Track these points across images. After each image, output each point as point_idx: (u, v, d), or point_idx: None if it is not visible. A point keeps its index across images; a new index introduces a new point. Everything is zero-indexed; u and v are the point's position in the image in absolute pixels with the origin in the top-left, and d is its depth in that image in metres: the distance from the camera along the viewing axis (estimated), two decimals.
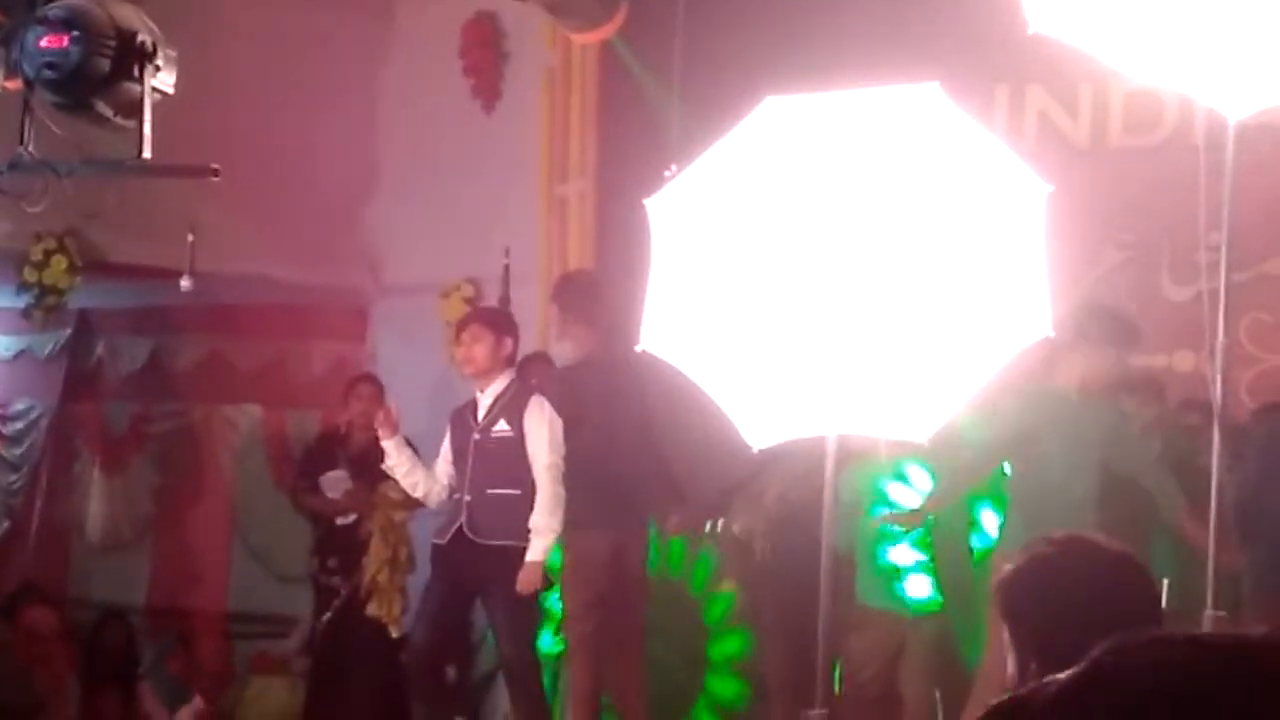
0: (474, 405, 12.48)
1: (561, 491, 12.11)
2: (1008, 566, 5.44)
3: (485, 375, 12.39)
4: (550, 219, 15.04)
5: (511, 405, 12.37)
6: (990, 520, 12.10)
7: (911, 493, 12.01)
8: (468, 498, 12.30)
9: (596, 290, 12.88)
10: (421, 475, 12.50)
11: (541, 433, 12.24)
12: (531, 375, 12.98)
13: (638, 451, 12.52)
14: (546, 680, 12.66)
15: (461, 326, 12.71)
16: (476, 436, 12.35)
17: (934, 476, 11.81)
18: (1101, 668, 2.40)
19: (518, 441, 12.26)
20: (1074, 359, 10.82)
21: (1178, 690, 2.29)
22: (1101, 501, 10.92)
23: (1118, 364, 11.24)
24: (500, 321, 12.74)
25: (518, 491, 12.18)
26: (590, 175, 14.92)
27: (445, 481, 12.46)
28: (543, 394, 12.41)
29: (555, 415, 12.27)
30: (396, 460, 12.49)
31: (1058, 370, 10.85)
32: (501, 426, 12.33)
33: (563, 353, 13.01)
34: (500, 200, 14.91)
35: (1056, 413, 11.01)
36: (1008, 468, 11.50)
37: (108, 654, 15.11)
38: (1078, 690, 2.39)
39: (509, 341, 12.47)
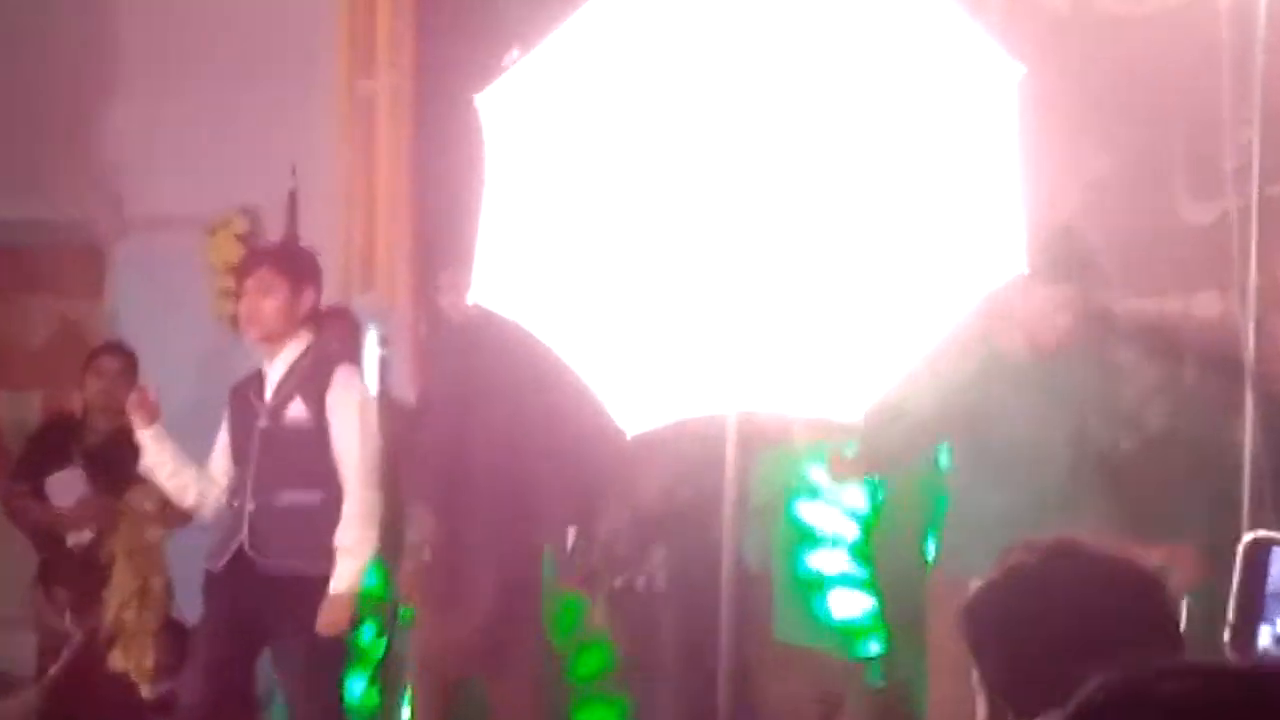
0: (259, 380, 12.16)
1: (377, 496, 11.92)
2: (975, 584, 5.36)
3: (276, 339, 12.04)
4: (352, 125, 15.03)
5: (311, 380, 12.05)
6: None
7: (846, 491, 12.02)
8: (251, 506, 11.95)
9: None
10: (191, 476, 12.23)
11: (351, 417, 11.98)
12: (333, 339, 12.67)
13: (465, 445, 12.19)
14: None
15: (242, 273, 12.41)
16: (263, 423, 12.03)
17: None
18: (1090, 710, 2.45)
19: (319, 429, 12.02)
20: (1018, 305, 10.78)
21: None
22: (1088, 496, 10.93)
23: (1079, 305, 11.26)
24: (297, 265, 12.29)
25: (318, 497, 11.95)
26: (406, 66, 14.97)
27: (224, 484, 12.19)
28: (351, 362, 12.21)
29: (369, 393, 12.09)
30: (157, 458, 12.21)
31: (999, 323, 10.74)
32: (297, 409, 12.02)
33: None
34: (284, 103, 14.88)
35: (1006, 382, 11.03)
36: (944, 458, 11.62)
37: None
38: None
39: (310, 292, 12.11)
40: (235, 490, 12.14)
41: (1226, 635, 3.71)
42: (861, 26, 8.03)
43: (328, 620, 11.80)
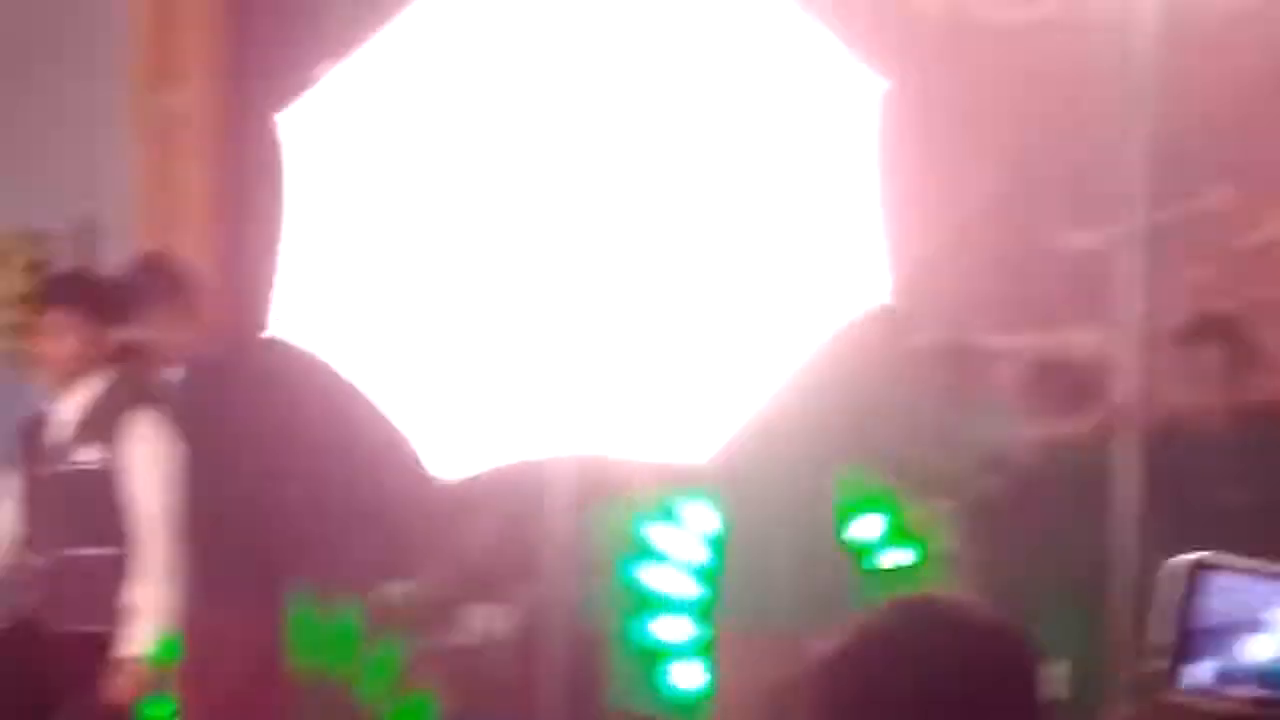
0: (46, 421, 12.04)
1: (173, 551, 11.75)
2: (819, 646, 4.95)
3: (72, 377, 11.99)
4: (149, 143, 14.87)
5: (106, 420, 11.90)
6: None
7: (688, 538, 11.96)
8: (39, 561, 11.88)
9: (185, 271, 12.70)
10: None
11: (147, 464, 11.79)
12: (138, 377, 12.40)
13: (272, 489, 12.14)
14: None
15: (36, 309, 12.29)
16: (50, 469, 11.88)
17: (721, 514, 11.78)
18: None
19: (111, 477, 11.84)
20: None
21: None
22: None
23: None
24: (96, 298, 12.20)
25: (112, 551, 11.75)
26: (210, 78, 14.89)
27: (8, 538, 12.03)
28: (153, 403, 12.02)
29: (169, 438, 11.89)
30: None
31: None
32: (88, 454, 11.82)
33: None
34: (75, 117, 14.73)
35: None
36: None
37: None
38: None
39: (112, 328, 12.01)
40: (23, 544, 11.93)
41: (1152, 665, 3.56)
42: (706, 35, 8.03)
43: (116, 687, 11.65)
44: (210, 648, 12.06)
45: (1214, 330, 11.64)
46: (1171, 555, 3.21)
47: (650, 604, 12.15)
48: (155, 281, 12.49)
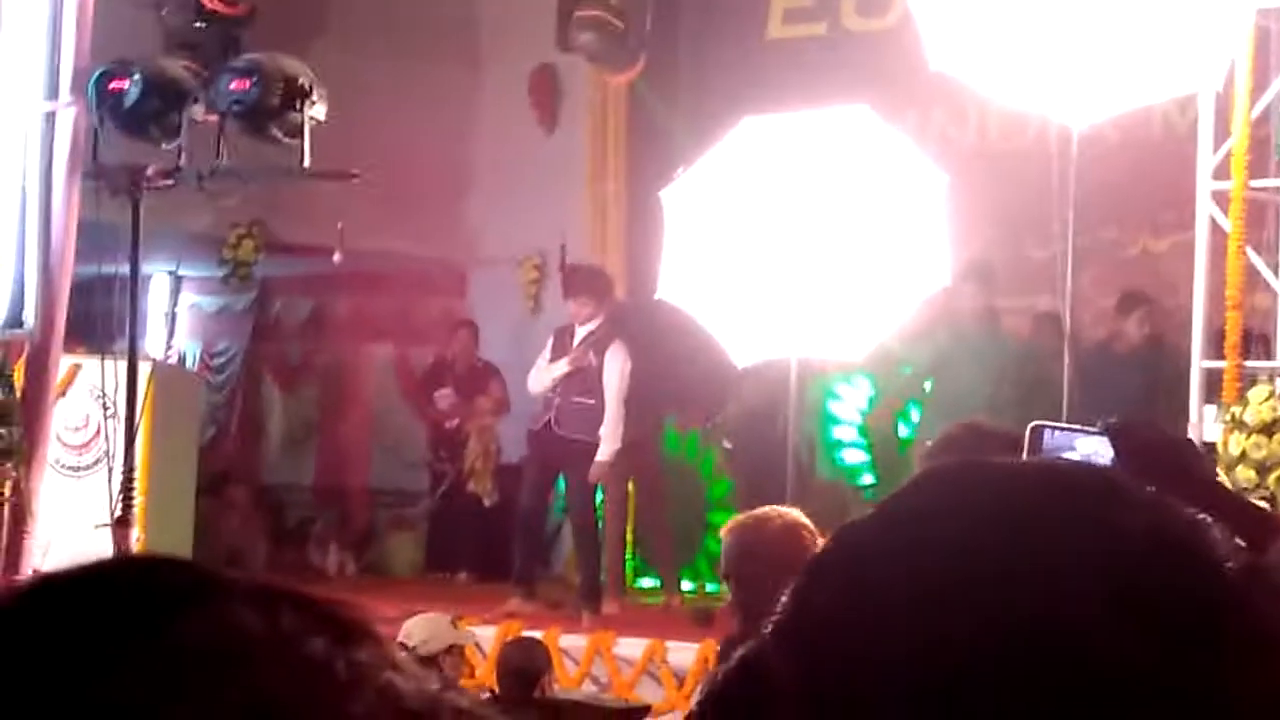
0: (572, 333, 12.19)
1: (621, 410, 11.92)
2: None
3: (586, 320, 12.11)
4: (594, 208, 14.92)
5: (599, 343, 12.03)
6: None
7: (848, 399, 12.01)
8: (557, 400, 12.09)
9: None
10: (540, 383, 12.35)
11: (614, 366, 11.93)
12: (612, 324, 12.40)
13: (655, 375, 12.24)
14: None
15: (567, 290, 12.54)
16: (570, 358, 12.08)
17: (873, 384, 11.77)
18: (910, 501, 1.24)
19: (598, 368, 11.99)
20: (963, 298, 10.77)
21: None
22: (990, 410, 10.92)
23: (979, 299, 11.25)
24: (595, 285, 12.41)
25: (593, 402, 11.96)
26: (621, 176, 14.77)
27: (548, 386, 12.27)
28: (620, 339, 12.11)
29: (626, 357, 11.99)
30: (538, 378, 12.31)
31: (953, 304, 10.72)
32: (589, 357, 12.05)
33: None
34: (558, 196, 14.80)
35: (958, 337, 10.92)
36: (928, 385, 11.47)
37: (285, 519, 15.46)
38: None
39: (605, 299, 12.27)
40: (552, 392, 12.10)
41: None
42: (866, 154, 8.08)
43: (594, 474, 11.89)
44: (628, 454, 12.21)
45: (1135, 298, 11.68)
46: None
47: (833, 421, 12.17)
48: (593, 277, 12.69)
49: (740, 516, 5.85)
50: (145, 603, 1.00)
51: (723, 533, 5.80)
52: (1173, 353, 10.82)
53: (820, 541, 5.48)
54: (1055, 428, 2.58)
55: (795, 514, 5.71)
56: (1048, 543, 1.17)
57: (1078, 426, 2.68)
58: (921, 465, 4.98)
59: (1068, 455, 2.50)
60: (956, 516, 1.20)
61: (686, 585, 12.87)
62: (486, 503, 13.85)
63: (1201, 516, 1.22)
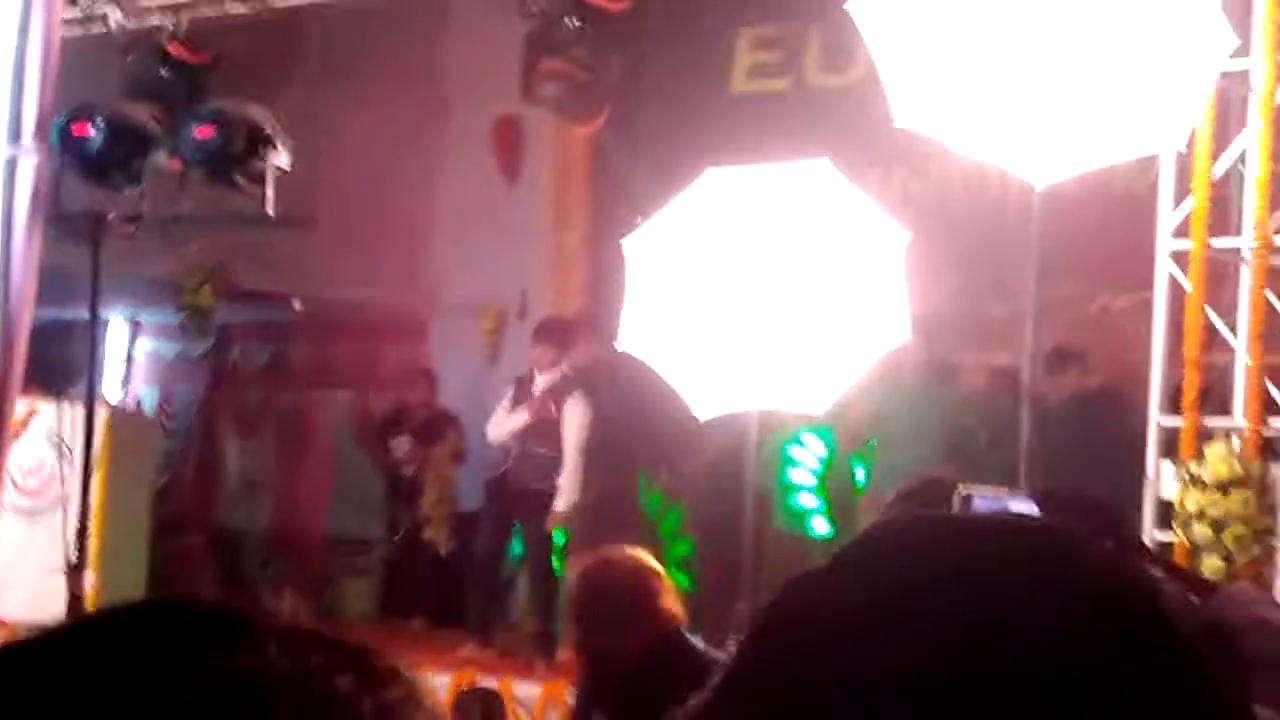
0: (532, 382, 12.26)
1: (580, 460, 12.03)
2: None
3: (543, 369, 12.19)
4: (556, 257, 14.98)
5: (559, 393, 12.12)
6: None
7: (807, 451, 12.01)
8: (515, 450, 12.17)
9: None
10: (497, 432, 12.42)
11: (574, 416, 12.03)
12: (575, 374, 12.54)
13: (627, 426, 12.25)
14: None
15: (533, 340, 12.53)
16: (530, 408, 12.14)
17: (827, 440, 11.78)
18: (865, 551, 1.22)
19: (557, 418, 12.07)
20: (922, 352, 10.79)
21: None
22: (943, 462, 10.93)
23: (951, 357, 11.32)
24: (557, 335, 12.52)
25: (552, 453, 12.04)
26: (585, 227, 14.82)
27: (505, 435, 12.36)
28: (581, 389, 12.22)
29: (586, 407, 12.09)
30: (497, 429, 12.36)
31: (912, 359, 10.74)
32: (548, 407, 12.14)
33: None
34: (521, 246, 14.83)
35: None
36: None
37: (239, 565, 15.40)
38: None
39: (567, 350, 12.36)
40: (511, 441, 12.11)
41: None
42: (826, 209, 8.09)
43: (551, 523, 11.88)
44: (595, 505, 12.20)
45: (1068, 354, 11.72)
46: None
47: (790, 486, 12.16)
48: (559, 328, 12.72)
49: (586, 558, 5.76)
50: (183, 640, 1.05)
51: (569, 574, 5.74)
52: (1129, 408, 10.89)
53: (665, 585, 5.47)
54: (984, 493, 2.65)
55: (643, 556, 5.66)
56: (999, 601, 1.15)
57: (1005, 492, 2.70)
58: (882, 515, 4.93)
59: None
60: (908, 570, 1.18)
61: None
62: (442, 551, 13.84)
63: (1155, 575, 1.20)
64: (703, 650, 5.70)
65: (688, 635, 5.66)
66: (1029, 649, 1.12)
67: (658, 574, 5.56)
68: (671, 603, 5.62)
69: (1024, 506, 2.57)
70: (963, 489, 2.60)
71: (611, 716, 5.68)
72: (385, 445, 14.70)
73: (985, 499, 2.64)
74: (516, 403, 12.18)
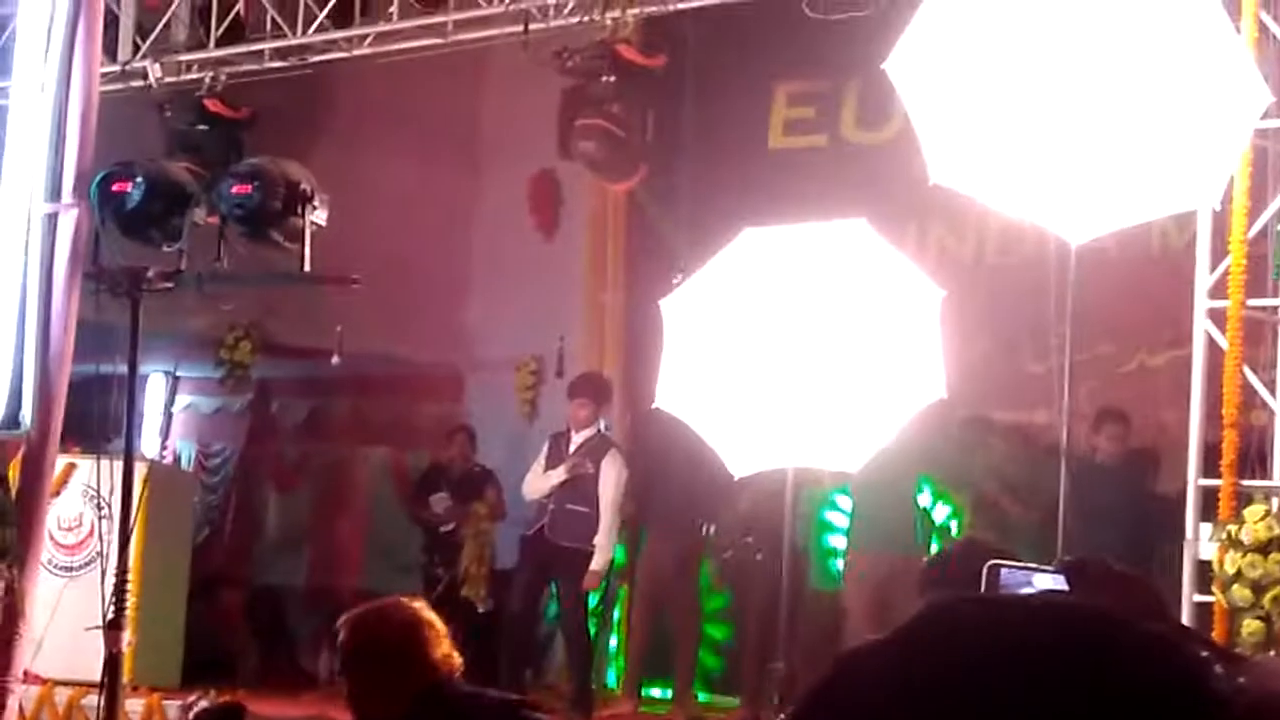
0: (568, 440, 12.28)
1: (617, 518, 12.06)
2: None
3: (583, 426, 12.20)
4: (592, 315, 14.97)
5: (596, 450, 12.15)
6: None
7: (842, 514, 11.99)
8: (552, 507, 12.15)
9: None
10: (536, 490, 12.42)
11: (610, 475, 12.03)
12: (610, 433, 12.69)
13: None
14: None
15: (571, 393, 12.54)
16: (566, 466, 12.13)
17: (853, 500, 11.77)
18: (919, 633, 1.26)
19: (597, 477, 12.07)
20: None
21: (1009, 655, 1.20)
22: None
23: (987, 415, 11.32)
24: (598, 390, 12.55)
25: (589, 511, 12.04)
26: (622, 285, 14.81)
27: (543, 492, 12.35)
28: (617, 447, 12.26)
29: (622, 464, 12.13)
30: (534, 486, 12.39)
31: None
32: (586, 465, 12.15)
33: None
34: (557, 303, 14.86)
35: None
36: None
37: (277, 624, 15.36)
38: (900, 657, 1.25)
39: (602, 406, 12.39)
40: (547, 498, 12.07)
41: None
42: (863, 268, 8.11)
43: (588, 582, 11.87)
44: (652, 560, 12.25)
45: (1110, 414, 11.71)
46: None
47: (827, 548, 12.14)
48: (596, 384, 12.72)
49: (359, 609, 5.75)
50: None
51: (340, 625, 5.70)
52: (1165, 469, 10.89)
53: (442, 636, 5.45)
54: (1012, 566, 2.60)
55: (418, 608, 5.66)
56: (1046, 686, 1.17)
57: (1033, 565, 2.71)
58: (920, 579, 4.96)
59: (1024, 592, 2.51)
60: (956, 655, 1.22)
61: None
62: (480, 609, 13.80)
63: (1204, 654, 1.25)
64: (475, 693, 5.77)
65: (459, 683, 5.68)
66: None
67: (430, 624, 5.57)
68: (444, 651, 5.62)
69: (1053, 581, 2.57)
70: (991, 563, 2.56)
71: None
72: (423, 502, 14.68)
73: (1013, 572, 2.59)
74: (551, 460, 12.16)
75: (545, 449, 12.33)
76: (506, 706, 5.92)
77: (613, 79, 12.09)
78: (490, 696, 5.94)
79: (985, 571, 2.56)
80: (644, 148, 12.55)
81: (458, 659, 5.70)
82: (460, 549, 14.01)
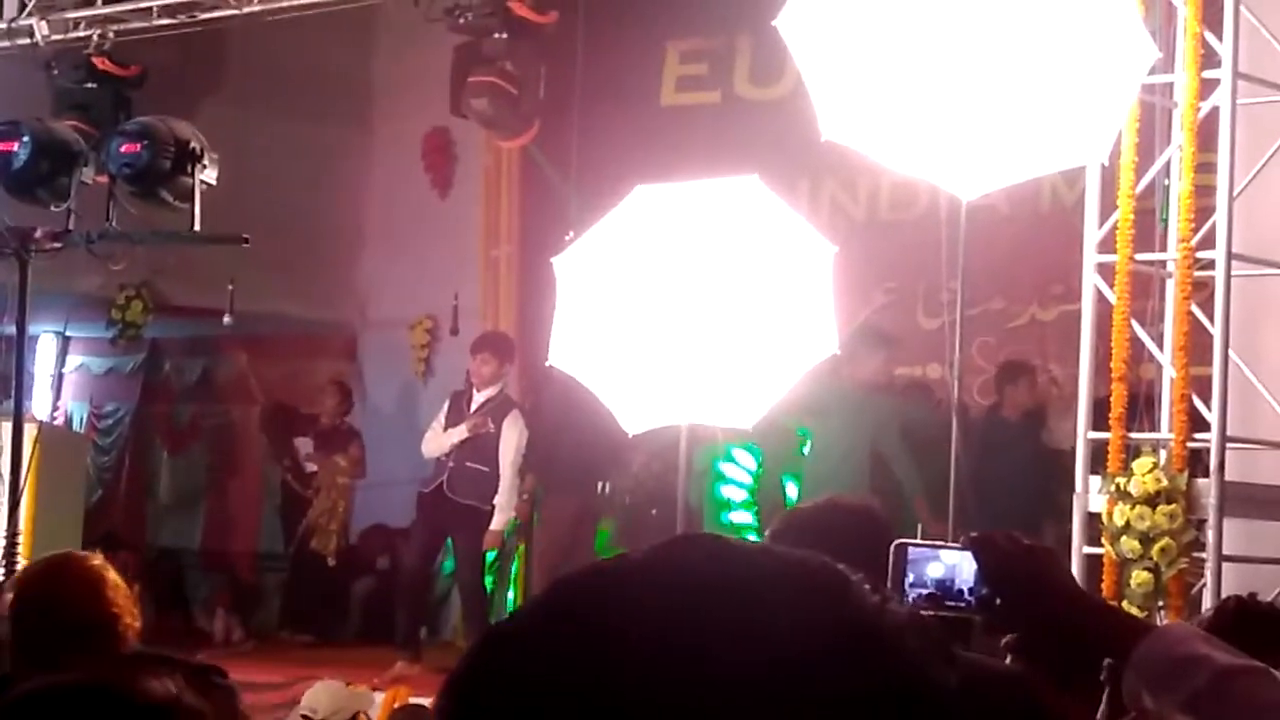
0: (469, 398, 12.21)
1: (515, 477, 12.00)
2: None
3: (485, 385, 12.14)
4: (486, 273, 14.93)
5: (498, 409, 12.05)
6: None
7: (738, 467, 12.04)
8: (451, 464, 12.05)
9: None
10: (435, 447, 12.32)
11: (511, 434, 11.96)
12: (513, 392, 12.62)
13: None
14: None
15: (474, 349, 12.44)
16: (468, 424, 12.05)
17: (757, 454, 11.78)
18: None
19: (495, 435, 11.98)
20: (854, 364, 10.75)
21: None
22: (871, 475, 10.91)
23: (883, 370, 11.35)
24: (501, 348, 12.48)
25: (488, 470, 11.96)
26: (514, 241, 14.79)
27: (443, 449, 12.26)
28: (518, 407, 12.20)
29: (522, 424, 12.06)
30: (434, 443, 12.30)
31: (844, 371, 10.70)
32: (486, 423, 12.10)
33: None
34: (451, 260, 14.82)
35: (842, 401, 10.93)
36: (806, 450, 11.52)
37: (171, 585, 15.31)
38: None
39: (506, 363, 12.32)
40: (446, 455, 12.03)
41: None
42: (754, 224, 8.09)
43: (487, 543, 11.86)
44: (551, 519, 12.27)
45: (1017, 367, 11.82)
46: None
47: (722, 502, 12.18)
48: (499, 343, 12.68)
49: (30, 564, 5.52)
50: None
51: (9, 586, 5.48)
52: (1053, 422, 10.99)
53: (111, 577, 5.25)
54: (918, 543, 2.64)
55: (91, 556, 5.45)
56: (751, 628, 1.27)
57: (940, 541, 2.76)
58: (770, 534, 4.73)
59: (931, 568, 2.58)
60: (677, 586, 1.30)
61: None
62: (331, 562, 13.83)
63: (919, 621, 1.33)
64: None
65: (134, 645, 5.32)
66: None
67: (103, 566, 5.36)
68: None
69: (956, 555, 2.59)
70: (898, 541, 2.63)
71: None
72: (289, 442, 14.71)
73: (921, 549, 2.63)
74: (452, 417, 12.12)
75: (445, 407, 12.28)
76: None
77: (505, 36, 12.03)
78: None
79: (892, 550, 2.59)
80: (536, 104, 12.51)
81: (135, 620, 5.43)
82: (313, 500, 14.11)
